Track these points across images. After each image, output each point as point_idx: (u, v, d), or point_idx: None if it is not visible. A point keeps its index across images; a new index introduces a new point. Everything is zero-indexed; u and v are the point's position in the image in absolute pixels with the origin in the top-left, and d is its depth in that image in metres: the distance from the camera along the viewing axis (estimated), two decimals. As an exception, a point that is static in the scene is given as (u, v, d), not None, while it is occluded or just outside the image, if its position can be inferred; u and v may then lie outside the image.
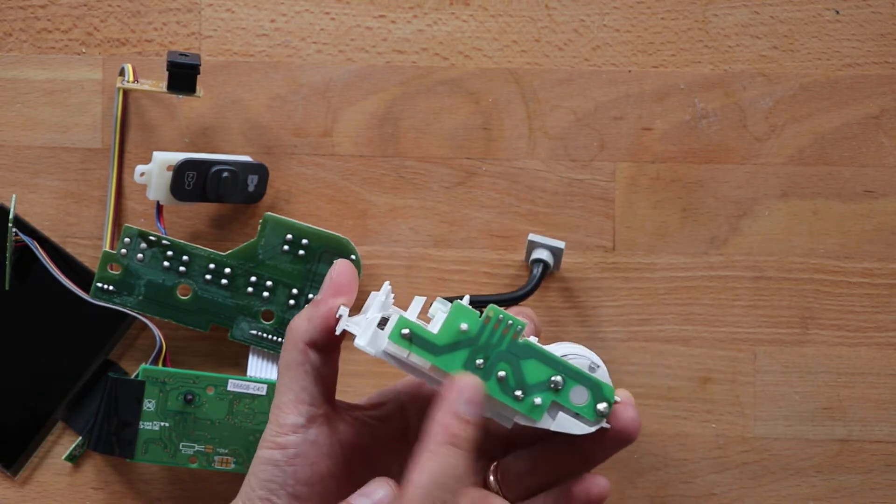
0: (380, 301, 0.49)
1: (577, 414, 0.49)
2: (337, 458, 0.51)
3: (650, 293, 0.61)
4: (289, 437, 0.50)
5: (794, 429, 0.61)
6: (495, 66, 0.61)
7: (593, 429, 0.49)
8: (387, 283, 0.51)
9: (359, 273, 0.59)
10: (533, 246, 0.60)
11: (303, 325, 0.51)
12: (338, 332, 0.49)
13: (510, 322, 0.48)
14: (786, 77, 0.61)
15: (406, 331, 0.47)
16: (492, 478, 0.53)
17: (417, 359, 0.48)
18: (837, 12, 0.61)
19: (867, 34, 0.61)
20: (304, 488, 0.50)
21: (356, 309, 0.51)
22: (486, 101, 0.61)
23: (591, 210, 0.61)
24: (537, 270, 0.59)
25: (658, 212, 0.61)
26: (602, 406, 0.49)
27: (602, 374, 0.50)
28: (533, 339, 0.48)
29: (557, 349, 0.51)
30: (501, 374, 0.48)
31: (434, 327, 0.48)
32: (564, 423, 0.49)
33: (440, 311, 0.50)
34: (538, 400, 0.48)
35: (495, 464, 0.53)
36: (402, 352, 0.48)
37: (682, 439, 0.61)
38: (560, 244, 0.59)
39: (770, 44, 0.61)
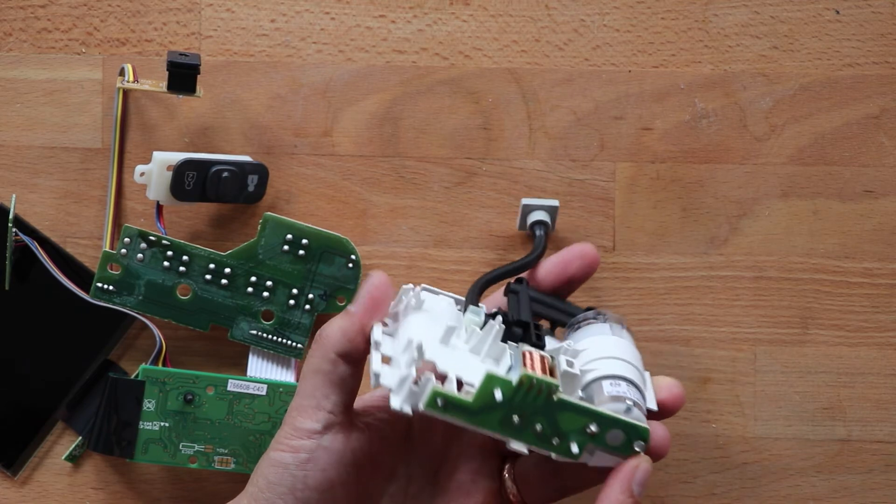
0: (412, 357, 0.48)
1: (614, 450, 0.49)
2: (348, 465, 0.51)
3: (650, 293, 0.61)
4: (303, 442, 0.50)
5: (794, 429, 0.61)
6: (495, 66, 0.61)
7: (635, 451, 0.49)
8: (416, 334, 0.50)
9: (359, 273, 0.59)
10: (528, 209, 0.59)
11: (336, 335, 0.50)
12: (373, 386, 0.48)
13: (544, 385, 0.48)
14: (786, 77, 0.61)
15: (441, 401, 0.47)
16: (509, 481, 0.53)
17: (453, 419, 0.48)
18: (837, 12, 0.61)
19: (867, 34, 0.61)
20: (312, 494, 0.50)
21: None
22: (486, 101, 0.61)
23: (591, 210, 0.61)
24: (541, 231, 0.58)
25: (658, 212, 0.61)
26: (639, 445, 0.49)
27: (649, 395, 0.50)
28: (566, 397, 0.48)
29: (604, 346, 0.50)
30: (538, 427, 0.48)
31: (468, 392, 0.47)
32: (602, 459, 0.49)
33: (473, 325, 0.50)
34: (575, 448, 0.49)
35: (508, 465, 0.53)
36: (437, 413, 0.48)
37: (682, 439, 0.61)
38: (555, 202, 0.58)
39: (770, 44, 0.61)
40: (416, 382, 0.48)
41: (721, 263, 0.61)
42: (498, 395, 0.47)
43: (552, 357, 0.49)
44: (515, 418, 0.48)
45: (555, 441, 0.49)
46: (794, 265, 0.61)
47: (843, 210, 0.61)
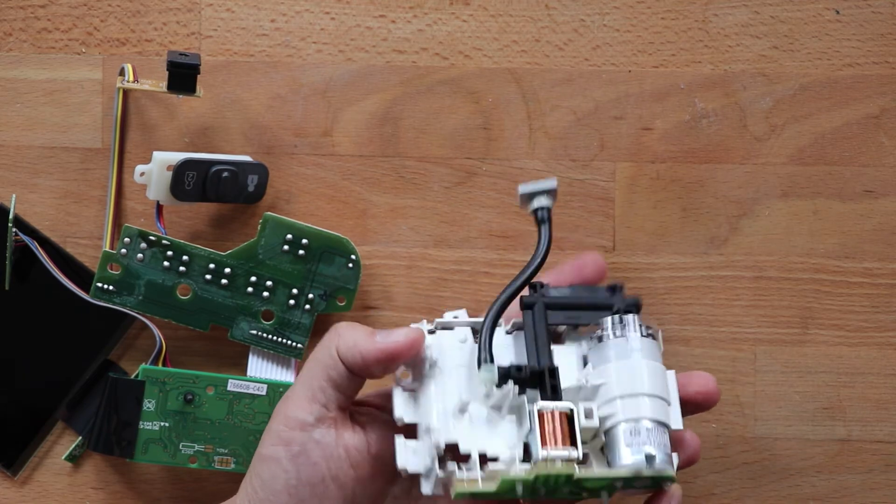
0: (432, 449, 0.50)
1: (644, 489, 0.50)
2: (341, 461, 0.51)
3: (650, 293, 0.61)
4: (294, 434, 0.50)
5: (794, 429, 0.61)
6: (495, 66, 0.61)
7: (666, 488, 0.50)
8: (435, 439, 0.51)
9: (359, 273, 0.59)
10: (527, 197, 0.55)
11: (349, 342, 0.51)
12: (402, 474, 0.51)
13: (562, 477, 0.48)
14: (786, 77, 0.61)
15: (468, 496, 0.49)
16: None
17: (484, 501, 0.50)
18: (837, 12, 0.61)
19: (867, 34, 0.61)
20: (305, 488, 0.50)
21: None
22: (486, 101, 0.61)
23: (591, 210, 0.61)
24: (543, 215, 0.55)
25: (658, 212, 0.61)
26: (666, 485, 0.49)
27: (674, 414, 0.51)
28: (585, 474, 0.49)
29: (622, 379, 0.50)
30: (566, 491, 0.50)
31: (492, 479, 0.49)
32: (636, 492, 0.51)
33: (489, 382, 0.50)
34: (606, 500, 0.50)
35: None
36: (469, 500, 0.50)
37: (682, 439, 0.61)
38: (552, 182, 0.55)
39: (770, 44, 0.61)
40: (441, 467, 0.50)
41: (721, 263, 0.61)
42: (519, 489, 0.49)
43: (571, 410, 0.49)
44: (542, 491, 0.49)
45: (584, 495, 0.50)
46: (794, 265, 0.61)
47: (843, 210, 0.61)
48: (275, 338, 0.59)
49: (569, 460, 0.48)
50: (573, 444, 0.48)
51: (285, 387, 0.58)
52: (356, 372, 0.51)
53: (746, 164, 0.61)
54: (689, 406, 0.52)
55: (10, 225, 0.60)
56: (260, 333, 0.59)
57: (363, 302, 0.61)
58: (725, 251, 0.61)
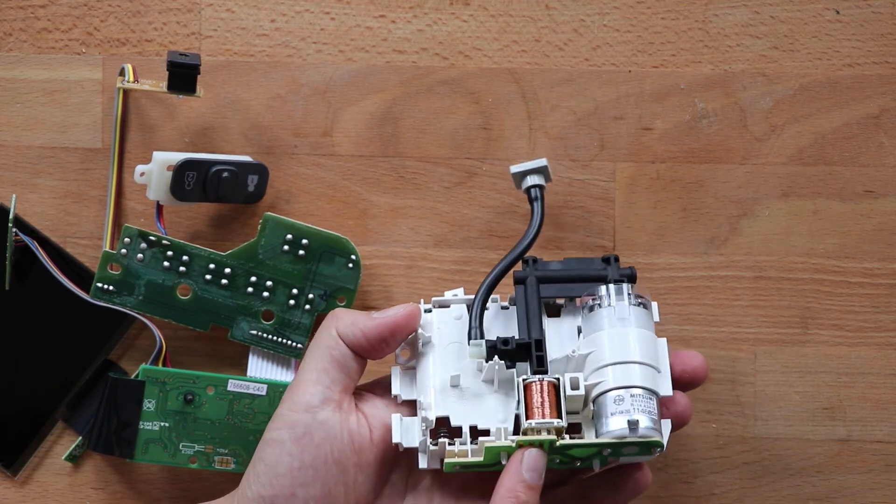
0: (423, 423, 0.52)
1: (635, 456, 0.51)
2: (343, 445, 0.51)
3: (650, 293, 0.61)
4: (299, 416, 0.51)
5: (794, 429, 0.61)
6: (495, 66, 0.61)
7: (656, 454, 0.50)
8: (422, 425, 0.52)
9: (359, 273, 0.59)
10: (519, 177, 0.58)
11: (347, 321, 0.53)
12: (398, 447, 0.52)
13: (545, 442, 0.49)
14: (786, 77, 0.61)
15: (457, 466, 0.51)
16: None
17: (478, 470, 0.51)
18: (837, 12, 0.61)
19: (867, 34, 0.61)
20: (308, 471, 0.51)
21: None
22: (486, 101, 0.61)
23: (591, 210, 0.61)
24: (536, 193, 0.57)
25: (658, 212, 0.61)
26: (656, 450, 0.50)
27: (663, 383, 0.51)
28: (568, 441, 0.50)
29: (609, 346, 0.51)
30: (557, 460, 0.51)
31: (478, 454, 0.51)
32: (629, 459, 0.51)
33: (479, 357, 0.52)
34: (597, 466, 0.51)
35: None
36: (461, 471, 0.52)
37: (682, 439, 0.61)
38: (542, 161, 0.57)
39: (770, 44, 0.61)
40: (434, 443, 0.51)
41: (721, 263, 0.61)
42: (503, 459, 0.50)
43: (558, 380, 0.51)
44: None
45: (577, 464, 0.51)
46: (794, 265, 0.61)
47: (843, 210, 0.61)
48: (275, 338, 0.59)
49: (553, 430, 0.49)
50: (559, 414, 0.50)
51: (285, 387, 0.58)
52: (357, 350, 0.53)
53: (746, 164, 0.61)
54: (678, 385, 0.53)
55: (10, 225, 0.60)
56: (260, 333, 0.59)
57: (363, 302, 0.61)
58: (725, 251, 0.61)
